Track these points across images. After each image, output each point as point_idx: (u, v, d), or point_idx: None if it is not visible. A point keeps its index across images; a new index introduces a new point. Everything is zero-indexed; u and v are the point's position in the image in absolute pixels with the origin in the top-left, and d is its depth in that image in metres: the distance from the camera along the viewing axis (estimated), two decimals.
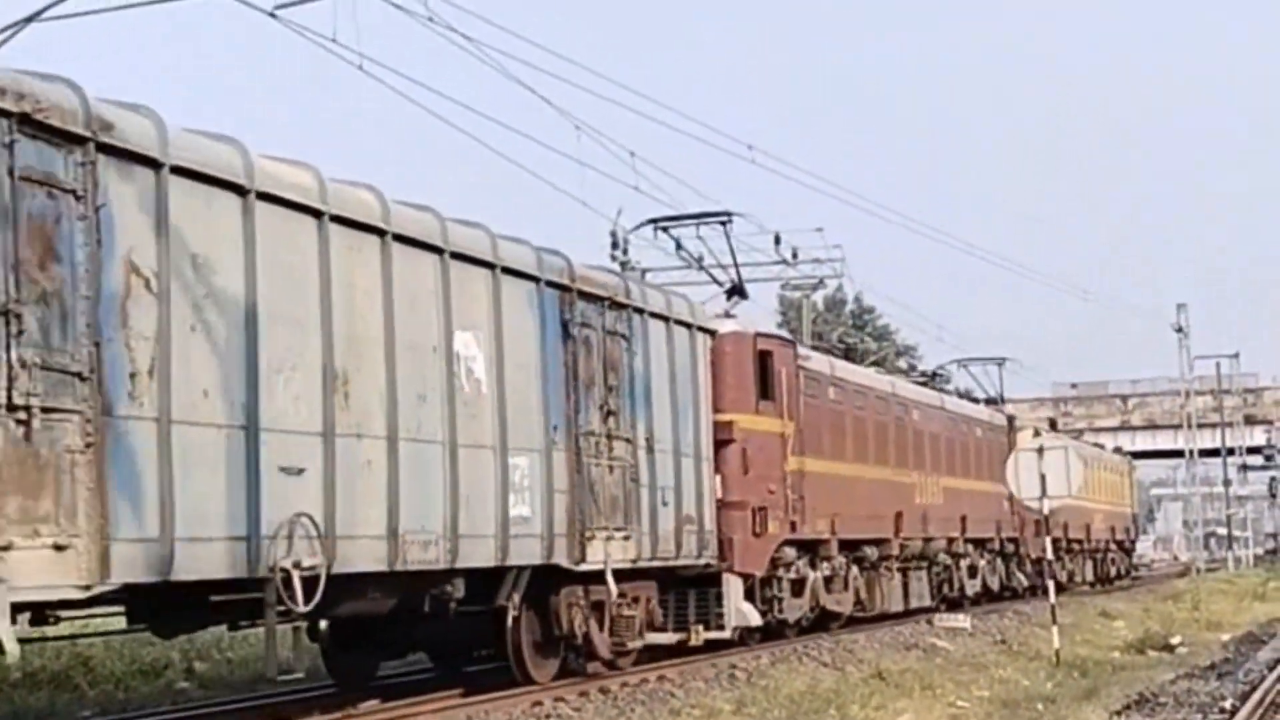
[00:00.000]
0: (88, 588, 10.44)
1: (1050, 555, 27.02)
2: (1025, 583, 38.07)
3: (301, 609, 12.34)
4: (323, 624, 16.69)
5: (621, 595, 18.04)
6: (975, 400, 39.71)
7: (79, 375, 10.35)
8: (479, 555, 15.11)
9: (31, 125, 10.13)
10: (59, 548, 10.14)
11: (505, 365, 15.64)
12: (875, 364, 39.75)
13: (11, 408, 9.78)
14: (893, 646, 23.91)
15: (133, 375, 10.89)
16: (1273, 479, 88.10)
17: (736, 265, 25.92)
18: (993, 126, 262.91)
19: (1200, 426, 73.33)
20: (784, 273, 38.83)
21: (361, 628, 17.02)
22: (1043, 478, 24.06)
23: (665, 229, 26.10)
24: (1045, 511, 24.70)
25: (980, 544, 34.62)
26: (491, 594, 16.20)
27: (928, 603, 30.44)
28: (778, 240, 37.23)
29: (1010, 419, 39.34)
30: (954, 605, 31.84)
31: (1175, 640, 26.90)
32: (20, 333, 9.87)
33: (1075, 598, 38.64)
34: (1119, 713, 17.18)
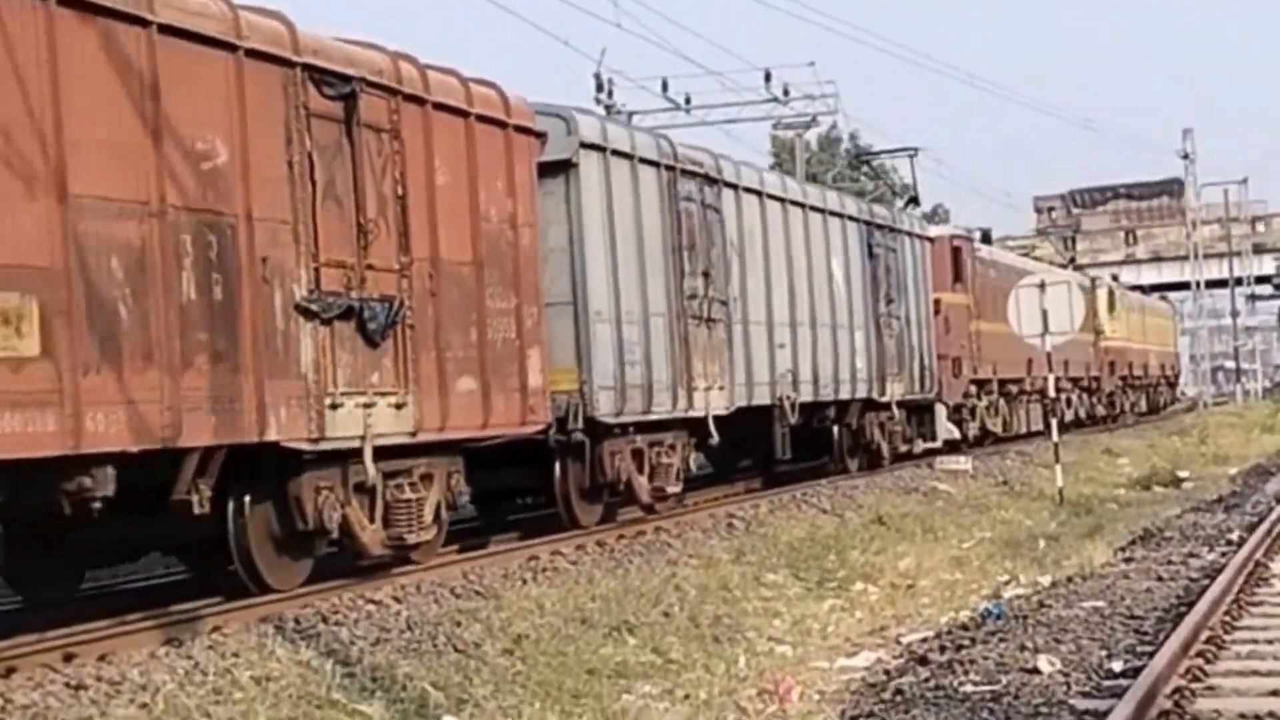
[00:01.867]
0: (728, 408, 20.45)
1: (1054, 393, 28.87)
2: (1103, 411, 48.24)
3: (792, 421, 22.42)
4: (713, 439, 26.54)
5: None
6: (1064, 267, 49.75)
7: (723, 301, 20.28)
8: (842, 392, 25.15)
9: (700, 178, 19.98)
10: (720, 388, 20.16)
11: (850, 277, 25.58)
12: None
13: (708, 320, 19.72)
14: (893, 491, 23.80)
15: (735, 299, 20.84)
16: None
17: (915, 184, 35.97)
18: None
19: (1207, 257, 71.38)
20: (774, 111, 39.39)
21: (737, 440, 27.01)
22: (1044, 314, 24.03)
23: (865, 160, 36.20)
24: (1047, 349, 24.60)
25: (1074, 381, 44.75)
26: (824, 420, 26.12)
27: (1039, 427, 40.54)
28: (768, 77, 37.33)
29: (1093, 280, 49.39)
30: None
31: (1183, 475, 27.39)
32: (711, 283, 19.79)
33: (1079, 436, 39.74)
34: (1124, 548, 17.15)
